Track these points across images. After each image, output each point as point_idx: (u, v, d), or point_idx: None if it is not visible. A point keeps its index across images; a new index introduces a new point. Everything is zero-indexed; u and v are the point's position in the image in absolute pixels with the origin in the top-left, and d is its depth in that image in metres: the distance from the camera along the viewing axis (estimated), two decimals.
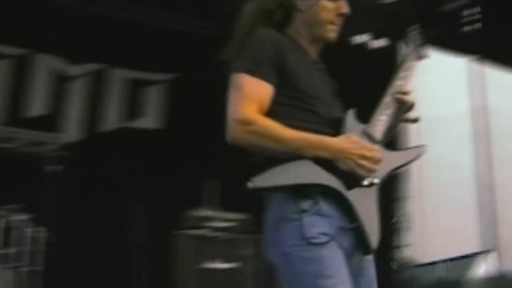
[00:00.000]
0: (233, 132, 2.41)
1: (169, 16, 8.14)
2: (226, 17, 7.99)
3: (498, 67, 9.35)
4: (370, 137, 2.52)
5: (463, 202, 9.43)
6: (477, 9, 8.40)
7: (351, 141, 2.40)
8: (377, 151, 2.45)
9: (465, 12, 8.61)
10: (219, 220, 6.62)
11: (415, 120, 2.76)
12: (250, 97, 2.40)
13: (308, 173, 2.35)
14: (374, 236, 2.40)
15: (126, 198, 6.95)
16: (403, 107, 2.69)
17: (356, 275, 2.41)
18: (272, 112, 2.43)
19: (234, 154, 8.09)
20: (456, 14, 8.46)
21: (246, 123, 2.37)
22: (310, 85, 2.53)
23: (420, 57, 2.90)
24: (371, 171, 2.40)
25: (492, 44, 8.85)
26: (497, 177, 9.49)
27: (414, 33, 2.98)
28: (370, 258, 2.50)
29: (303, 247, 2.30)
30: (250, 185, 2.32)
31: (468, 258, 7.52)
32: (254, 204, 7.24)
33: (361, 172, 2.38)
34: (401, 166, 2.59)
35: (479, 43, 8.67)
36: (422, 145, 2.68)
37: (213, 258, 6.32)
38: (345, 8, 2.66)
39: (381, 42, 9.12)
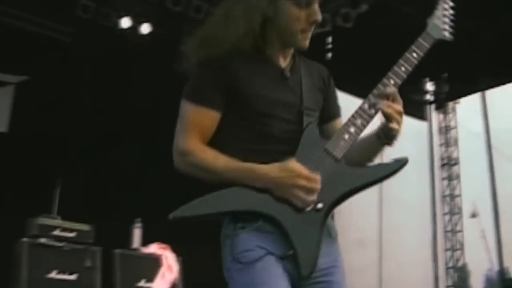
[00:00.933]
0: (175, 162, 2.43)
1: (23, 16, 7.89)
2: (84, 23, 7.98)
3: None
4: (330, 155, 2.40)
5: None
6: (329, 39, 8.73)
7: (286, 169, 2.31)
8: (315, 179, 2.31)
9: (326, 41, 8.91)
10: (61, 229, 6.44)
11: (393, 133, 2.44)
12: (190, 127, 2.42)
13: (242, 199, 2.33)
14: (306, 265, 2.31)
15: None
16: (384, 115, 2.41)
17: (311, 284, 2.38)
18: (222, 134, 2.44)
19: (79, 163, 7.95)
20: (319, 41, 8.70)
21: (183, 154, 2.41)
22: (263, 102, 2.43)
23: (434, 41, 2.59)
24: (305, 201, 2.31)
25: (338, 74, 9.19)
26: None
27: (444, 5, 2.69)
28: (336, 265, 2.48)
29: (235, 262, 2.33)
30: (171, 216, 2.29)
31: None
32: (97, 215, 7.12)
33: (295, 202, 2.31)
34: (371, 183, 2.43)
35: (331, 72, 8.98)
36: (403, 158, 2.43)
37: (52, 268, 6.13)
38: (316, 15, 2.48)
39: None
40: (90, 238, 6.57)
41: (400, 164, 2.42)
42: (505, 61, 9.49)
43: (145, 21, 8.44)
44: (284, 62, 2.58)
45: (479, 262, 11.30)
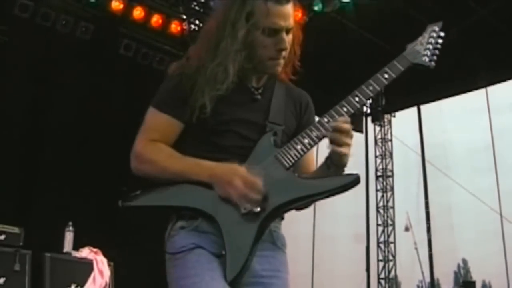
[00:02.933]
0: (131, 163, 2.51)
1: None
2: (21, 22, 7.80)
3: None
4: (279, 162, 2.44)
5: None
6: None
7: (227, 166, 2.38)
8: (252, 181, 2.33)
9: None
10: None
11: (340, 157, 2.44)
12: (149, 130, 2.53)
13: (188, 196, 2.41)
14: (232, 268, 2.33)
15: None
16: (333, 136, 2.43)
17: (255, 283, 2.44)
18: (182, 141, 2.53)
19: (9, 164, 7.76)
20: None
21: (136, 155, 2.50)
22: (222, 118, 2.50)
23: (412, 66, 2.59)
24: (247, 197, 2.33)
25: None
26: None
27: (434, 30, 2.68)
28: (278, 275, 2.52)
29: (172, 259, 2.44)
30: (120, 203, 2.40)
31: None
32: (27, 218, 6.96)
33: (233, 199, 2.35)
34: (317, 194, 2.42)
35: None
36: (354, 174, 2.42)
37: None
38: (283, 44, 2.52)
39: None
40: (20, 241, 6.39)
41: (350, 179, 2.41)
42: (441, 77, 9.65)
43: (84, 23, 8.31)
44: (257, 83, 2.65)
45: (411, 274, 11.49)
